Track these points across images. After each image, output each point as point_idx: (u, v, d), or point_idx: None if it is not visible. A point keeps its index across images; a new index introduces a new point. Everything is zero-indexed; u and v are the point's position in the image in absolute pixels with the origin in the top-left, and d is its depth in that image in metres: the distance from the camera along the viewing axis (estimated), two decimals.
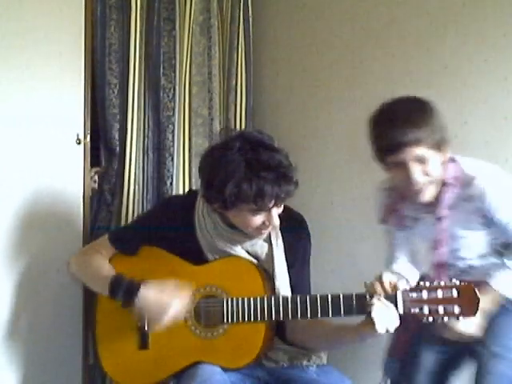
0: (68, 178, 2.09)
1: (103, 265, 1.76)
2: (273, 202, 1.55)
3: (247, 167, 1.50)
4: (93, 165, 2.24)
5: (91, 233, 2.20)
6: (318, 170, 2.51)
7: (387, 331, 1.47)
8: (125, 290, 1.64)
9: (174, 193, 2.36)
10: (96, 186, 2.33)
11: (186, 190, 2.45)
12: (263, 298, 1.61)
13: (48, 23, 2.01)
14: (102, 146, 2.30)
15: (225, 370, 1.62)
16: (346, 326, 1.58)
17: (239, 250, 1.71)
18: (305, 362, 1.69)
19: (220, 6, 2.57)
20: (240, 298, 1.62)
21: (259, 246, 1.72)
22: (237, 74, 2.61)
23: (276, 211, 1.61)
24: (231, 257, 1.70)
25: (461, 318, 1.48)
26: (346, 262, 2.41)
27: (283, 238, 1.74)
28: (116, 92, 2.29)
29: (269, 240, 1.73)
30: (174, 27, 2.37)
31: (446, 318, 1.48)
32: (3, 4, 1.88)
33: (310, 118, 2.55)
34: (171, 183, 2.35)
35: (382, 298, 1.49)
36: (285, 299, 1.60)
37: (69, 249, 2.05)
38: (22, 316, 1.95)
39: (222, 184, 1.52)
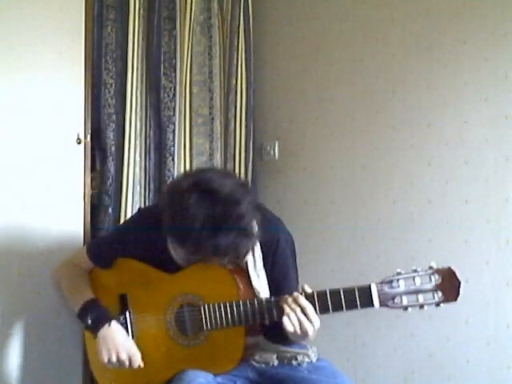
0: (68, 177, 2.09)
1: (79, 285, 1.77)
2: (230, 255, 1.51)
3: (206, 224, 1.41)
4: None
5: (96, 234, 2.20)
6: (318, 170, 2.52)
7: (303, 332, 1.48)
8: (94, 318, 1.66)
9: None
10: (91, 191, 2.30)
11: None
12: (239, 302, 1.59)
13: (48, 23, 2.01)
14: (97, 146, 2.27)
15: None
16: None
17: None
18: (294, 362, 1.68)
19: (220, 6, 2.57)
20: (216, 304, 1.60)
21: None
22: (237, 74, 2.60)
23: None
24: (206, 263, 1.66)
25: (442, 304, 1.42)
26: (346, 262, 2.41)
27: (261, 244, 1.69)
28: (112, 92, 2.28)
29: None
30: (174, 27, 2.37)
31: (426, 307, 1.43)
32: (3, 4, 1.88)
33: (310, 118, 2.56)
34: None
35: (294, 300, 1.50)
36: (259, 303, 1.58)
37: (69, 249, 2.05)
38: (22, 317, 1.95)
39: (182, 239, 1.47)
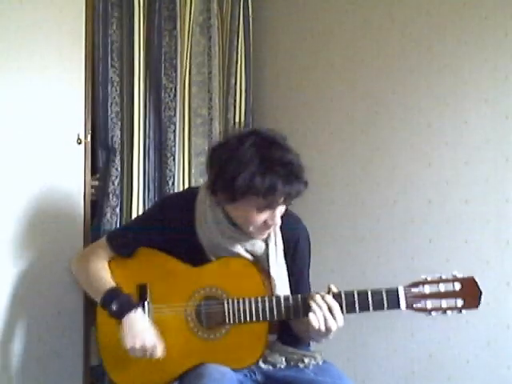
0: (69, 177, 2.09)
1: (100, 272, 1.75)
2: (282, 199, 1.55)
3: (261, 162, 1.50)
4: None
5: (97, 235, 2.19)
6: (318, 170, 2.51)
7: (327, 329, 1.52)
8: (120, 304, 1.65)
9: None
10: (92, 196, 2.29)
11: None
12: (264, 298, 1.61)
13: (48, 24, 2.01)
14: (101, 145, 2.28)
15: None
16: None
17: (239, 249, 1.70)
18: (300, 365, 1.69)
19: (220, 6, 2.57)
20: (241, 299, 1.62)
21: (258, 247, 1.71)
22: (236, 74, 2.61)
23: (280, 210, 1.60)
24: (230, 257, 1.69)
25: (463, 311, 1.50)
26: (346, 262, 2.41)
27: (282, 238, 1.73)
28: (118, 90, 2.29)
29: (266, 240, 1.72)
30: (174, 27, 2.36)
31: (449, 312, 1.50)
32: (3, 3, 1.88)
33: (310, 118, 2.56)
34: (173, 183, 2.35)
35: (322, 297, 1.55)
36: (285, 299, 1.61)
37: (69, 249, 2.05)
38: (22, 316, 1.95)
39: (234, 174, 1.50)
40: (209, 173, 1.63)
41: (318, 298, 1.55)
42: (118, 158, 2.27)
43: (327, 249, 2.46)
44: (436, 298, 1.51)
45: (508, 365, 2.02)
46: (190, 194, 1.76)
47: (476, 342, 2.07)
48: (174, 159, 2.35)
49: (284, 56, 2.67)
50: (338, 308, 1.54)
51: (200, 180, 2.47)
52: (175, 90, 2.36)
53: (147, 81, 2.35)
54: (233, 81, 2.61)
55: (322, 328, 1.52)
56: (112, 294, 1.67)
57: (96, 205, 2.28)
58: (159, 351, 1.64)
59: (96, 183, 2.29)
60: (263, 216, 1.59)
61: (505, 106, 2.03)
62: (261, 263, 1.71)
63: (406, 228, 2.25)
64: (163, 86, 2.36)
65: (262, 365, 1.68)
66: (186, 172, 2.45)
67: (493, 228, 2.05)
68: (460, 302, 1.49)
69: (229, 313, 1.62)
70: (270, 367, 1.69)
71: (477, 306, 1.49)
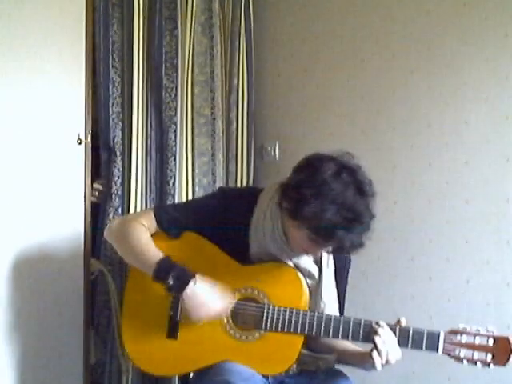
0: (69, 178, 2.10)
1: (148, 241, 1.68)
2: (332, 246, 1.55)
3: (340, 207, 1.48)
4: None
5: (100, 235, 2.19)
6: None
7: (387, 362, 1.55)
8: (177, 277, 1.58)
9: (176, 193, 2.34)
10: (95, 199, 2.29)
11: (190, 190, 2.44)
12: (306, 313, 1.60)
13: (48, 24, 2.01)
14: (103, 145, 2.29)
15: None
16: (354, 351, 1.68)
17: (285, 258, 1.68)
18: (313, 369, 1.69)
19: (221, 6, 2.57)
20: (282, 308, 1.61)
21: (307, 264, 1.70)
22: (238, 74, 2.61)
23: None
24: (279, 264, 1.67)
25: (491, 365, 1.55)
26: None
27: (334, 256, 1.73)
28: (120, 90, 2.29)
29: (320, 261, 1.72)
30: (175, 26, 2.36)
31: (478, 364, 1.56)
32: (3, 3, 1.88)
33: (311, 118, 2.56)
34: (174, 183, 2.35)
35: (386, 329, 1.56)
36: (328, 318, 1.59)
37: (69, 249, 2.05)
38: (22, 316, 1.95)
39: (309, 198, 1.48)
40: (293, 177, 1.58)
41: (382, 340, 1.55)
42: (119, 158, 2.28)
43: None
44: (469, 349, 1.56)
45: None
46: (252, 195, 1.73)
47: None
48: (174, 159, 2.34)
49: (285, 56, 2.67)
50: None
51: (203, 180, 2.47)
52: (176, 89, 2.36)
53: (148, 81, 2.35)
54: (235, 81, 2.61)
55: (379, 368, 1.54)
56: (166, 266, 1.60)
57: (98, 206, 2.29)
58: (226, 304, 1.62)
59: (101, 188, 2.30)
60: (310, 244, 1.57)
61: (505, 106, 2.03)
62: (307, 279, 1.69)
63: (405, 228, 2.24)
64: (164, 86, 2.35)
65: None
66: (190, 172, 2.45)
67: (493, 228, 2.05)
68: (489, 357, 1.55)
69: (267, 319, 1.61)
70: (283, 372, 1.67)
71: (504, 364, 1.55)
